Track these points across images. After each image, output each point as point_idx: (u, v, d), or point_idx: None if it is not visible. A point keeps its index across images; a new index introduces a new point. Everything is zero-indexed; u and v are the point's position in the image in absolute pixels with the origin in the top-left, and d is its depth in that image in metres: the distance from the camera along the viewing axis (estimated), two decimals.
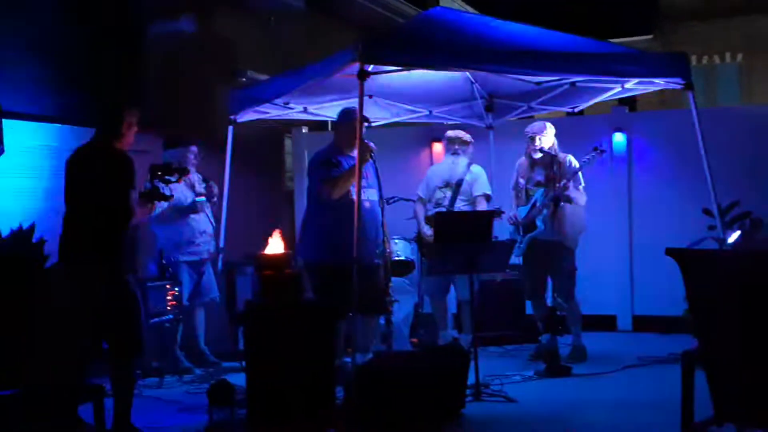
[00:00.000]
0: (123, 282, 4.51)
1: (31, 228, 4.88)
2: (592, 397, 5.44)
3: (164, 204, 5.82)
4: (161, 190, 4.75)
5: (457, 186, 6.69)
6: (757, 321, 3.19)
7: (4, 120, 5.63)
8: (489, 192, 6.77)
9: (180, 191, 6.45)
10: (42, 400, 3.89)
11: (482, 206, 6.61)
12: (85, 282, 4.20)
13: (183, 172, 5.00)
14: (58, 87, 6.66)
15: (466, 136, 6.87)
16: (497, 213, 6.42)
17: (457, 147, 6.80)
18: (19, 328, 3.97)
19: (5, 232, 5.08)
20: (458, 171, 6.73)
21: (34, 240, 4.81)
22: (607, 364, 6.31)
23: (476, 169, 6.81)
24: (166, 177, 4.78)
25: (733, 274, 3.31)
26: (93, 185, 4.46)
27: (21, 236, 4.85)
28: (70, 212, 4.55)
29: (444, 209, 6.63)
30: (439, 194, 6.74)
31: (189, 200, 6.51)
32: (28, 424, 3.80)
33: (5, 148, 5.47)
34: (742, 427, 3.51)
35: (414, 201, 6.99)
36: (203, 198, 6.56)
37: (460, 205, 6.65)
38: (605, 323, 7.84)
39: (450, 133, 6.94)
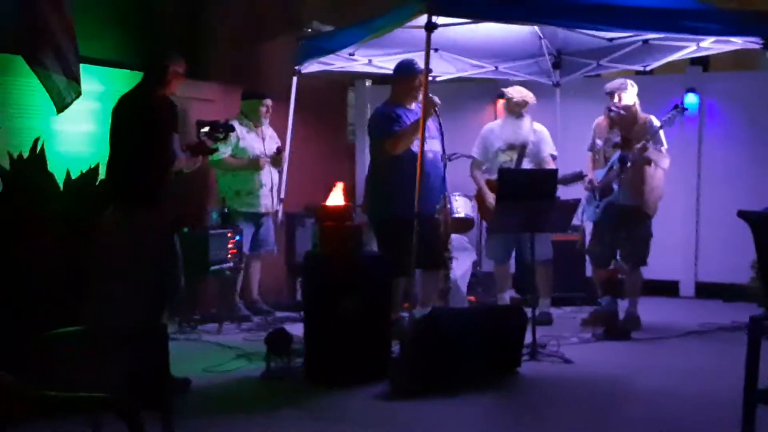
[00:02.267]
0: (160, 230, 4.53)
1: (95, 170, 4.97)
2: (650, 362, 5.37)
3: (226, 151, 5.88)
4: (209, 146, 4.79)
5: (522, 148, 6.42)
6: None
7: None
8: (555, 152, 6.58)
9: (248, 141, 6.51)
10: (108, 338, 3.98)
11: (550, 167, 6.34)
12: (126, 227, 4.25)
13: (229, 129, 5.04)
14: (118, 31, 6.71)
15: (530, 96, 6.54)
16: (579, 177, 6.26)
17: (521, 108, 6.48)
18: (84, 266, 4.06)
19: (74, 175, 5.20)
20: (523, 132, 6.45)
21: (96, 183, 4.90)
22: (667, 330, 6.20)
23: (539, 127, 6.55)
24: (215, 135, 4.82)
25: None
26: (134, 130, 4.48)
27: (86, 178, 4.95)
28: (113, 158, 4.59)
29: None
30: (503, 157, 6.44)
31: (255, 152, 6.55)
32: (90, 360, 3.89)
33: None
34: None
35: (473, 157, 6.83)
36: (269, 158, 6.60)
37: (528, 167, 6.37)
38: (668, 289, 7.71)
39: (512, 92, 6.56)
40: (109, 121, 4.66)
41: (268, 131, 6.79)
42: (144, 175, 4.44)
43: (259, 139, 6.64)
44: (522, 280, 6.71)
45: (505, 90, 6.69)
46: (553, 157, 6.53)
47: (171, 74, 4.60)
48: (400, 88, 5.71)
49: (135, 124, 4.48)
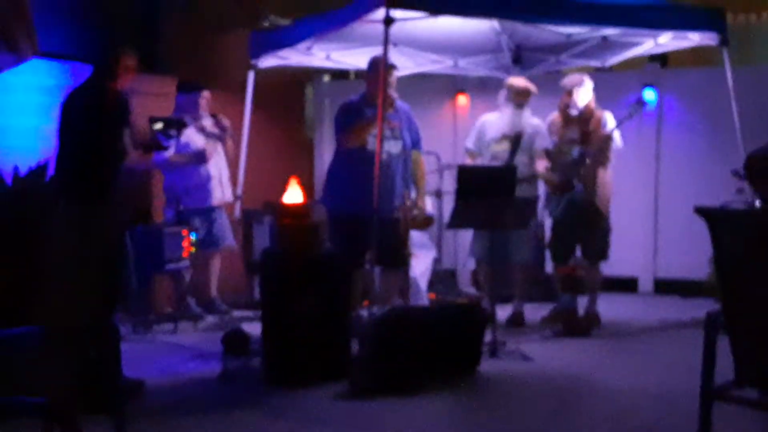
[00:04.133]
0: (111, 227, 4.42)
1: (44, 167, 4.84)
2: (610, 358, 5.37)
3: (170, 150, 5.77)
4: (162, 143, 4.69)
5: (516, 139, 6.25)
6: None
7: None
8: (549, 147, 6.35)
9: (188, 136, 6.37)
10: (58, 338, 3.87)
11: (542, 162, 6.23)
12: (76, 225, 4.14)
13: (182, 125, 4.95)
14: (71, 25, 6.55)
15: (532, 87, 6.37)
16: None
17: (522, 98, 6.29)
18: (33, 265, 3.94)
19: (23, 171, 5.06)
20: (519, 123, 6.27)
21: (46, 179, 4.76)
22: (627, 326, 6.22)
23: (535, 121, 6.38)
24: (168, 131, 4.73)
25: (763, 235, 3.20)
26: (84, 125, 4.37)
27: (35, 175, 4.81)
28: (62, 153, 4.46)
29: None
30: (496, 147, 6.28)
31: (197, 145, 6.42)
32: (44, 361, 3.78)
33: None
34: (765, 391, 3.43)
35: (433, 153, 6.74)
36: (211, 139, 6.45)
37: (521, 160, 6.18)
38: (626, 285, 7.74)
39: (515, 81, 6.38)
40: (58, 114, 4.53)
41: (207, 122, 6.61)
42: (94, 170, 4.32)
43: (197, 132, 6.46)
44: (497, 280, 6.57)
45: (508, 79, 6.53)
46: (547, 153, 6.32)
47: (122, 68, 4.49)
48: (369, 84, 5.64)
49: (85, 118, 4.36)
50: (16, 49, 4.65)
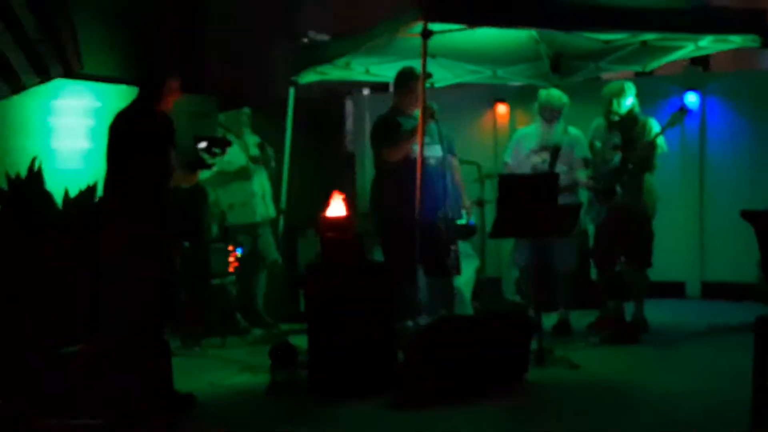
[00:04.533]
0: (160, 245, 4.48)
1: (93, 188, 4.95)
2: (657, 364, 5.33)
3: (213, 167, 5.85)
4: (206, 161, 4.76)
5: (555, 150, 6.19)
6: None
7: (69, 81, 5.71)
8: (589, 156, 6.35)
9: (232, 154, 6.45)
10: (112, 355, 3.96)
11: (582, 171, 6.26)
12: (126, 244, 4.22)
13: (226, 143, 5.01)
14: (115, 47, 6.70)
15: (564, 98, 6.38)
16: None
17: (553, 109, 6.31)
18: (86, 285, 4.04)
19: (73, 194, 5.18)
20: (556, 135, 6.29)
21: (95, 200, 4.87)
22: (674, 331, 6.16)
23: (574, 131, 6.40)
24: (214, 149, 4.79)
25: None
26: (130, 147, 4.45)
27: (84, 196, 4.92)
28: (110, 175, 4.55)
29: None
30: (535, 159, 6.31)
31: (240, 163, 6.51)
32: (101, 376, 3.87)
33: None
34: None
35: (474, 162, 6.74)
36: (256, 164, 6.55)
37: (561, 170, 6.09)
38: (673, 290, 7.65)
39: (545, 94, 6.41)
40: (106, 137, 4.63)
41: (251, 140, 6.71)
42: (143, 190, 4.40)
43: (240, 150, 6.56)
44: (541, 289, 6.55)
45: (540, 95, 6.50)
46: (588, 162, 6.36)
47: (167, 89, 4.58)
48: (400, 96, 5.69)
49: (131, 140, 4.45)
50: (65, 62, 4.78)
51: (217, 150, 4.84)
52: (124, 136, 4.48)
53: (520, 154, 6.43)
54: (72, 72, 4.99)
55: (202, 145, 4.78)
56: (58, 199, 5.17)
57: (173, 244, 4.72)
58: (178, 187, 4.70)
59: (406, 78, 5.64)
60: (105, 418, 3.64)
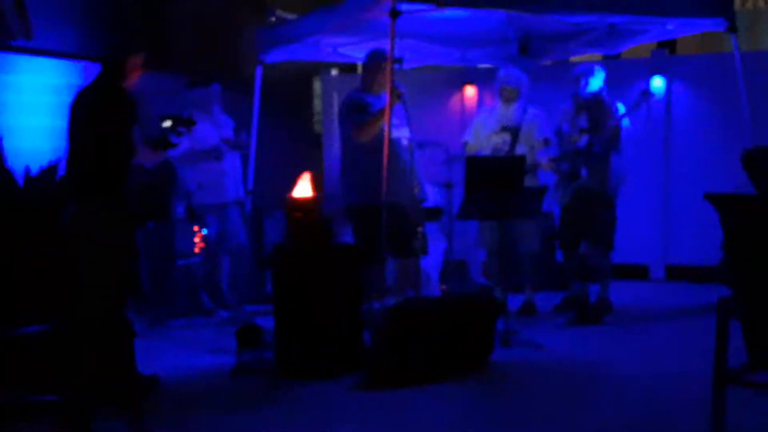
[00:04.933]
0: (122, 224, 4.43)
1: (55, 166, 4.87)
2: (622, 345, 5.39)
3: (184, 144, 5.81)
4: (171, 140, 4.71)
5: (516, 130, 6.27)
6: None
7: (31, 58, 5.61)
8: (549, 136, 6.39)
9: (203, 132, 6.39)
10: (71, 335, 3.91)
11: (542, 151, 6.28)
12: (87, 222, 4.17)
13: (191, 123, 4.95)
14: (81, 24, 6.58)
15: (522, 78, 6.39)
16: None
17: (511, 89, 6.33)
18: (45, 263, 3.98)
19: (34, 171, 5.10)
20: (516, 115, 6.32)
21: (56, 179, 4.80)
22: (639, 313, 6.23)
23: (533, 111, 6.39)
24: (178, 128, 4.74)
25: None
26: (92, 124, 4.39)
27: (46, 174, 4.84)
28: (72, 152, 4.49)
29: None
30: (496, 139, 6.32)
31: (212, 142, 6.43)
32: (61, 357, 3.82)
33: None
34: None
35: (442, 144, 6.73)
36: (229, 146, 6.48)
37: (521, 150, 6.19)
38: (637, 272, 7.74)
39: (504, 73, 6.45)
40: (68, 115, 4.56)
41: (222, 117, 6.64)
42: (104, 169, 4.34)
43: (214, 127, 6.49)
44: (507, 270, 6.59)
45: (499, 75, 6.53)
46: (548, 141, 6.38)
47: (130, 67, 4.51)
48: (369, 76, 5.66)
49: (94, 117, 4.39)
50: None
51: (182, 129, 4.79)
52: (87, 113, 4.42)
53: (481, 134, 6.45)
54: (13, 39, 4.87)
55: (167, 123, 4.73)
56: (19, 177, 5.08)
57: (134, 222, 4.67)
58: (142, 166, 4.65)
59: (377, 58, 5.61)
60: (63, 396, 3.59)
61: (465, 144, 6.55)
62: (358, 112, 5.52)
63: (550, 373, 4.74)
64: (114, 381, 4.00)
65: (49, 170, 4.94)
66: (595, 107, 6.12)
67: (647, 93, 6.04)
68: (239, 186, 6.67)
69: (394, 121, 5.28)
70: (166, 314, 6.16)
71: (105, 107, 4.39)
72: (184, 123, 4.82)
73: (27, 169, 5.10)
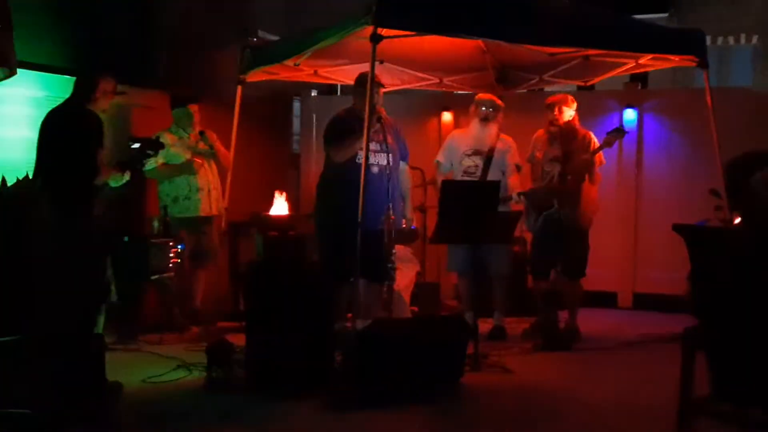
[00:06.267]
0: (89, 235, 4.49)
1: (29, 178, 4.87)
2: (589, 373, 5.44)
3: (159, 159, 5.88)
4: (138, 162, 4.83)
5: (489, 154, 6.37)
6: (761, 300, 3.17)
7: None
8: (520, 163, 6.50)
9: (179, 148, 6.42)
10: (44, 346, 3.89)
11: (514, 177, 6.38)
12: (56, 232, 4.21)
13: (159, 146, 5.09)
14: (63, 37, 6.60)
15: (498, 101, 6.48)
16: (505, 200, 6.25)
17: (488, 112, 6.39)
18: (20, 275, 3.98)
19: (10, 182, 5.07)
20: (490, 139, 6.39)
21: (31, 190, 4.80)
22: (606, 341, 6.30)
23: (506, 137, 6.49)
24: (146, 151, 4.87)
25: (739, 252, 3.29)
26: (58, 145, 4.47)
27: (24, 186, 4.83)
28: (38, 168, 4.55)
29: (476, 179, 6.31)
30: (468, 162, 6.39)
31: (186, 157, 6.45)
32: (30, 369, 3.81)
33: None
34: (740, 406, 3.50)
35: (417, 168, 6.81)
36: (202, 159, 6.51)
37: (494, 175, 6.28)
38: (606, 300, 7.82)
39: (481, 96, 6.52)
40: (37, 134, 4.64)
41: (201, 137, 6.65)
42: (68, 187, 4.44)
43: (183, 147, 6.51)
44: (477, 294, 6.61)
45: (477, 96, 6.59)
46: (518, 168, 6.49)
47: (100, 91, 4.61)
48: (358, 98, 5.73)
49: (60, 138, 4.48)
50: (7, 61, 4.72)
51: (150, 151, 4.92)
52: (54, 134, 4.50)
53: (453, 155, 6.51)
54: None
55: (136, 146, 4.85)
56: None
57: (104, 236, 4.71)
58: (106, 184, 4.73)
59: (365, 81, 5.68)
60: (32, 409, 3.58)
61: (437, 164, 6.62)
62: (338, 131, 5.61)
63: (517, 397, 4.79)
64: (84, 394, 3.99)
65: (25, 181, 4.93)
66: (569, 137, 6.21)
67: (623, 130, 6.04)
68: (213, 203, 6.68)
69: (374, 146, 5.36)
70: (137, 329, 6.14)
71: (71, 130, 4.49)
72: (152, 146, 4.95)
73: (3, 179, 5.09)
